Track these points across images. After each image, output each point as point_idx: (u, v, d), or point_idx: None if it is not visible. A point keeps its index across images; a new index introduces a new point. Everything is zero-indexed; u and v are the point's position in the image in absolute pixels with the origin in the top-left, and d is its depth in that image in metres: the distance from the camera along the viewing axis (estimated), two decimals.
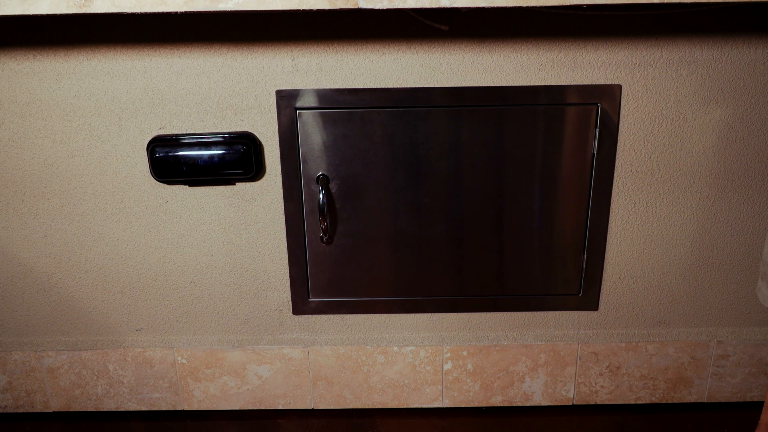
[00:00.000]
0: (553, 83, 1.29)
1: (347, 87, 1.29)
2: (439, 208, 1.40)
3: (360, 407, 1.59)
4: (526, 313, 1.50)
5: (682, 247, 1.43)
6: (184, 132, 1.33)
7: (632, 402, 1.58)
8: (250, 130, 1.33)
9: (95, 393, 1.57)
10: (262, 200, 1.39)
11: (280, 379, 1.56)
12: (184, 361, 1.54)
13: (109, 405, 1.59)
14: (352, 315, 1.50)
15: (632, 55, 1.27)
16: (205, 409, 1.59)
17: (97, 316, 1.50)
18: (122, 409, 1.59)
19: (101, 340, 1.52)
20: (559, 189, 1.38)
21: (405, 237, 1.42)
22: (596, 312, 1.49)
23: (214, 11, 1.09)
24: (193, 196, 1.39)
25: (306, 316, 1.49)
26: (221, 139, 1.32)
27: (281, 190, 1.37)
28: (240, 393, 1.57)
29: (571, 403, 1.59)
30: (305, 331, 1.51)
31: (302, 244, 1.41)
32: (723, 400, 1.58)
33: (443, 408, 1.59)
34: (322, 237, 1.39)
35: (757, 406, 1.53)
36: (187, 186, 1.37)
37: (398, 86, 1.29)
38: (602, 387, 1.57)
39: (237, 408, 1.59)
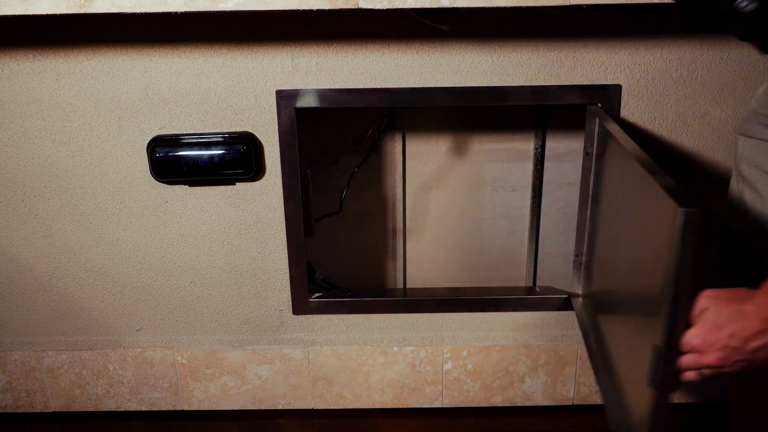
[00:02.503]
0: (553, 83, 1.29)
1: (347, 87, 1.29)
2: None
3: (360, 407, 1.59)
4: (526, 313, 1.50)
5: None
6: (184, 132, 1.33)
7: None
8: (250, 130, 1.33)
9: (95, 393, 1.57)
10: (262, 200, 1.39)
11: (280, 379, 1.56)
12: (184, 361, 1.54)
13: (109, 405, 1.59)
14: (352, 315, 1.50)
15: (632, 55, 1.27)
16: (205, 409, 1.59)
17: (97, 316, 1.50)
18: (122, 409, 1.59)
19: (101, 340, 1.52)
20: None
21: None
22: None
23: (214, 11, 1.09)
24: (193, 196, 1.39)
25: (306, 316, 1.49)
26: (221, 139, 1.32)
27: (281, 190, 1.37)
28: (240, 393, 1.57)
29: (571, 403, 1.59)
30: (305, 331, 1.51)
31: (302, 243, 1.41)
32: (725, 399, 1.58)
33: (443, 408, 1.59)
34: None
35: None
36: (187, 186, 1.37)
37: (398, 86, 1.29)
38: None
39: (237, 408, 1.59)
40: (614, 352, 1.11)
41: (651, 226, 0.88)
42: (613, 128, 1.17)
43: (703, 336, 0.73)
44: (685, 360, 0.75)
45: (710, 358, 0.73)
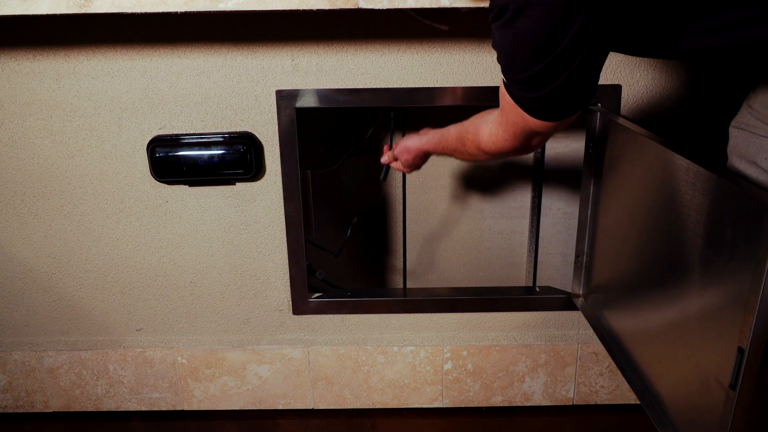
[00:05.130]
0: None
1: (347, 87, 1.29)
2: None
3: (360, 407, 1.59)
4: (526, 313, 1.50)
5: None
6: (184, 132, 1.33)
7: (632, 402, 1.58)
8: (250, 130, 1.33)
9: (95, 393, 1.57)
10: (262, 200, 1.39)
11: (280, 379, 1.56)
12: (184, 361, 1.54)
13: (109, 405, 1.59)
14: (352, 315, 1.50)
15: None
16: (205, 409, 1.59)
17: (97, 316, 1.50)
18: (122, 409, 1.59)
19: (101, 340, 1.52)
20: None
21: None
22: None
23: (214, 11, 1.09)
24: (193, 196, 1.39)
25: (306, 316, 1.49)
26: (221, 139, 1.32)
27: (281, 190, 1.37)
28: (240, 393, 1.57)
29: (571, 403, 1.59)
30: (305, 331, 1.51)
31: (302, 243, 1.41)
32: None
33: (443, 408, 1.59)
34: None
35: None
36: (187, 186, 1.37)
37: (398, 86, 1.29)
38: (602, 387, 1.57)
39: (237, 408, 1.59)
40: (642, 353, 1.11)
41: (712, 220, 0.87)
42: (624, 121, 1.17)
43: (397, 152, 1.31)
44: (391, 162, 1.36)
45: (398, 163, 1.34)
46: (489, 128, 1.03)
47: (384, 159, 1.36)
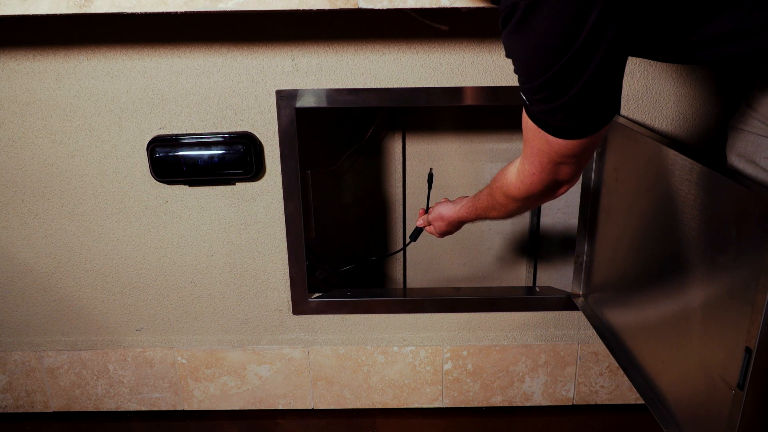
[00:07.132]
0: None
1: (347, 87, 1.29)
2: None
3: (360, 407, 1.59)
4: (526, 313, 1.50)
5: None
6: (184, 132, 1.33)
7: (632, 402, 1.58)
8: (250, 130, 1.33)
9: (95, 393, 1.57)
10: (262, 200, 1.39)
11: (280, 379, 1.56)
12: (184, 361, 1.54)
13: (109, 405, 1.59)
14: (352, 315, 1.50)
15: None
16: (205, 409, 1.59)
17: (97, 316, 1.50)
18: (122, 409, 1.59)
19: (101, 340, 1.52)
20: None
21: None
22: None
23: (214, 11, 1.09)
24: (193, 196, 1.39)
25: (306, 316, 1.49)
26: (221, 139, 1.32)
27: (281, 190, 1.37)
28: (240, 393, 1.57)
29: (571, 403, 1.59)
30: (305, 331, 1.51)
31: (302, 243, 1.41)
32: None
33: (443, 408, 1.59)
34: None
35: None
36: (187, 186, 1.37)
37: (398, 86, 1.29)
38: (602, 387, 1.57)
39: (237, 408, 1.59)
40: (645, 352, 1.12)
41: (714, 219, 0.87)
42: (624, 121, 1.17)
43: (431, 217, 1.33)
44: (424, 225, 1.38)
45: (431, 228, 1.35)
46: (515, 168, 1.00)
47: (419, 222, 1.37)
